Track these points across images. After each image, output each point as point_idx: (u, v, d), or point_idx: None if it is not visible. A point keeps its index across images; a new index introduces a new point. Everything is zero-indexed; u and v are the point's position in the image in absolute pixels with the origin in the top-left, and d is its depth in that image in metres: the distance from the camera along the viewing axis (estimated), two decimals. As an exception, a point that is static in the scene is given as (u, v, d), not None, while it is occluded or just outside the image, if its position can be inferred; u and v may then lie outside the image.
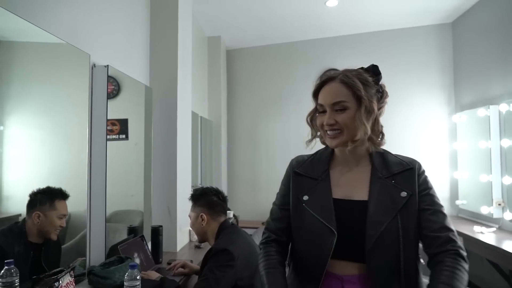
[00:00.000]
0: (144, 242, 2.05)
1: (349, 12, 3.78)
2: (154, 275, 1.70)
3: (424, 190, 1.07)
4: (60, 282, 1.28)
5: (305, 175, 1.16)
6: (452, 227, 1.04)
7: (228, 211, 3.61)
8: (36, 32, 1.43)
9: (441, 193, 4.00)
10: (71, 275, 1.36)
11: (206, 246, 2.20)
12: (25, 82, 1.47)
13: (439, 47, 4.11)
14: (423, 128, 4.11)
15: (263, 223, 4.08)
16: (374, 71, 1.13)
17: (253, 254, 1.69)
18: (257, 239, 3.11)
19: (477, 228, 3.10)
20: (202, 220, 1.80)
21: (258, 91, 4.65)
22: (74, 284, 1.36)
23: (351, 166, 1.13)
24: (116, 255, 1.71)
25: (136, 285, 1.35)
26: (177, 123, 2.47)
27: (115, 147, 2.26)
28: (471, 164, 3.58)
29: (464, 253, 1.00)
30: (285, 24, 4.05)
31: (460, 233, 3.13)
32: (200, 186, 3.45)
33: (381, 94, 1.13)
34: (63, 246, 1.65)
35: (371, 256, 1.01)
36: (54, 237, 1.57)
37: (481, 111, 3.32)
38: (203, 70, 4.17)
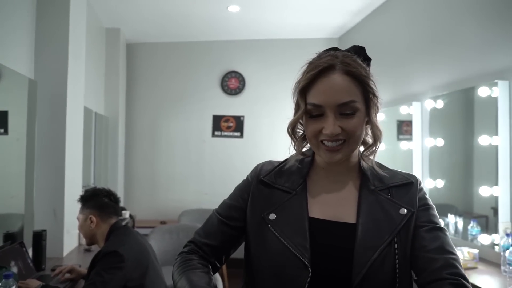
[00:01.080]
0: (24, 248, 1.90)
1: (249, 19, 3.97)
2: (34, 283, 1.60)
3: (422, 206, 0.83)
4: None
5: (274, 186, 0.88)
6: (455, 251, 0.79)
7: (123, 211, 3.52)
8: None
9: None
10: None
11: (97, 249, 2.13)
12: None
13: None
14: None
15: (161, 222, 4.06)
16: (363, 55, 0.84)
17: (144, 253, 1.72)
18: (154, 238, 3.11)
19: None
20: (91, 222, 1.75)
21: (160, 88, 4.57)
22: None
23: (336, 177, 0.86)
24: (-12, 264, 1.56)
25: (11, 296, 1.27)
26: (66, 120, 2.32)
27: None
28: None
29: (469, 285, 0.74)
30: (188, 23, 4.06)
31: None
32: (93, 186, 3.28)
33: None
34: None
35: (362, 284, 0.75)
36: None
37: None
38: (100, 63, 3.94)
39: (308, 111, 0.80)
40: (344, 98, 0.76)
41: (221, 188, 4.98)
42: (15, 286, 1.29)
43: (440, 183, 2.67)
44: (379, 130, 0.81)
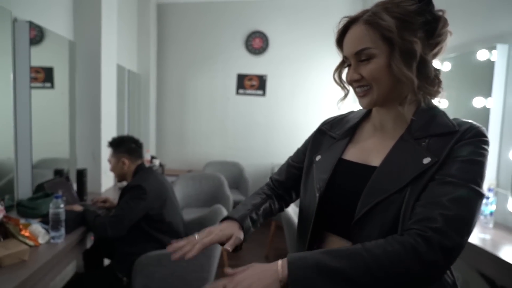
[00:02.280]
0: (70, 182, 2.32)
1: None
2: (77, 207, 2.01)
3: (454, 157, 0.76)
4: (-8, 208, 1.56)
5: (328, 133, 1.00)
6: (459, 209, 0.71)
7: (154, 159, 3.94)
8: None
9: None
10: (1, 204, 1.63)
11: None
12: None
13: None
14: (335, 90, 4.67)
15: (188, 171, 4.48)
16: None
17: (163, 189, 2.08)
18: (179, 184, 3.51)
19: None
20: (123, 164, 2.12)
21: (188, 47, 4.81)
22: (4, 211, 1.63)
23: (382, 125, 0.89)
24: (43, 191, 1.98)
25: (59, 213, 1.67)
26: (101, 76, 2.66)
27: (39, 95, 2.38)
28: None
29: (440, 241, 0.68)
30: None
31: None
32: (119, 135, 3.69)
33: (434, 25, 0.81)
34: None
35: (356, 232, 0.80)
36: None
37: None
38: (132, 23, 4.22)
39: (344, 62, 0.90)
40: (358, 47, 0.81)
41: (244, 143, 5.35)
42: (63, 205, 1.68)
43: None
44: (404, 76, 0.78)
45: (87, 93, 2.66)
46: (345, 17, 0.87)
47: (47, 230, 1.67)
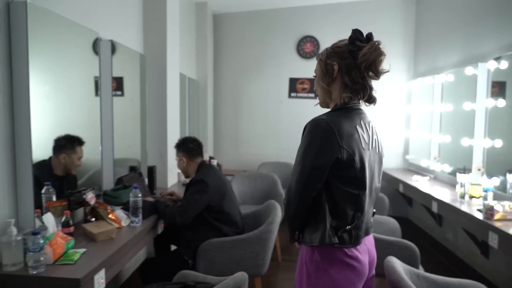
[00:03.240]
0: (142, 177, 2.65)
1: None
2: (150, 199, 2.32)
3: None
4: (86, 195, 1.89)
5: None
6: (291, 179, 1.25)
7: (212, 160, 4.24)
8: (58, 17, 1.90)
9: (396, 149, 4.67)
10: (93, 192, 1.97)
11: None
12: (49, 55, 1.95)
13: (404, 19, 4.58)
14: (385, 92, 4.67)
15: (243, 171, 4.74)
16: (357, 36, 1.23)
17: (222, 184, 2.32)
18: (236, 182, 3.76)
19: (415, 177, 3.78)
20: (183, 162, 2.40)
21: (242, 54, 5.10)
22: (95, 198, 1.97)
23: None
24: (122, 184, 2.32)
25: (138, 200, 1.96)
26: (166, 84, 2.99)
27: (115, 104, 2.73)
28: (419, 124, 4.21)
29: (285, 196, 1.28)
30: (266, -7, 4.42)
31: (401, 181, 3.81)
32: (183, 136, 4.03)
33: (357, 52, 1.20)
34: (79, 183, 2.20)
35: None
36: (74, 172, 2.10)
37: (428, 79, 3.88)
38: (191, 34, 4.59)
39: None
40: (315, 69, 1.36)
41: (296, 144, 5.40)
42: (140, 195, 1.97)
43: (498, 143, 2.76)
44: (320, 85, 1.31)
45: (155, 100, 3.01)
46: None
47: (127, 216, 1.97)
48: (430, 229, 4.00)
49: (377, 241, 2.28)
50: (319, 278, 1.21)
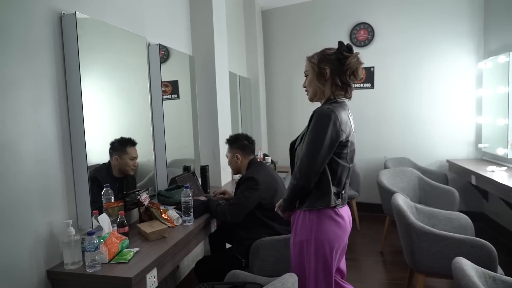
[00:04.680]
0: (195, 177, 2.70)
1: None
2: (202, 198, 2.35)
3: (308, 126, 1.59)
4: (141, 195, 1.95)
5: None
6: (301, 160, 1.56)
7: (266, 157, 4.21)
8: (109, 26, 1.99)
9: (467, 137, 4.27)
10: (147, 193, 2.03)
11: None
12: (109, 62, 2.05)
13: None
14: (451, 75, 4.27)
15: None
16: (343, 48, 1.61)
17: (273, 181, 2.26)
18: (289, 180, 3.68)
19: (489, 167, 3.39)
20: (237, 159, 2.37)
21: (293, 48, 4.99)
22: (149, 199, 2.03)
23: None
24: (175, 184, 2.37)
25: (189, 200, 1.99)
26: (216, 84, 3.01)
27: (169, 106, 2.82)
28: (493, 109, 3.77)
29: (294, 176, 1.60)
30: (314, -17, 4.27)
31: (473, 172, 3.45)
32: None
33: (343, 60, 1.57)
34: (139, 184, 2.30)
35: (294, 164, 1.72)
36: (130, 172, 2.17)
37: (502, 58, 3.45)
38: (240, 32, 4.60)
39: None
40: (304, 70, 1.72)
41: (356, 136, 5.21)
42: (191, 193, 1.99)
43: None
44: (316, 86, 1.65)
45: (205, 100, 3.05)
46: (306, 57, 1.71)
47: (180, 215, 2.01)
48: (510, 225, 3.57)
49: (446, 239, 2.08)
50: (315, 233, 1.59)
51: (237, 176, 2.64)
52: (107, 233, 1.56)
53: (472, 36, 4.16)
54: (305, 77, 1.71)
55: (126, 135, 2.14)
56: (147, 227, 1.79)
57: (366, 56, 4.61)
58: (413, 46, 4.39)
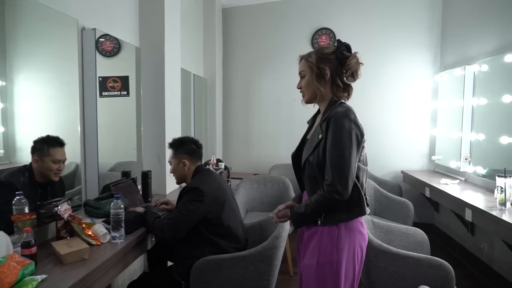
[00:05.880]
0: (136, 184, 2.39)
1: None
2: (139, 209, 2.04)
3: (327, 131, 1.41)
4: (59, 207, 1.63)
5: (308, 122, 1.68)
6: (332, 171, 1.38)
7: (219, 163, 3.96)
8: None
9: (421, 149, 4.27)
10: (68, 204, 1.70)
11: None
12: (30, 44, 1.72)
13: (430, 6, 4.17)
14: (408, 86, 4.27)
15: (254, 175, 4.43)
16: (344, 46, 1.49)
17: (221, 191, 2.01)
18: (243, 187, 3.47)
19: (443, 180, 3.38)
20: (184, 165, 2.08)
21: (253, 49, 4.79)
22: (71, 210, 1.70)
23: (322, 115, 1.51)
24: (108, 192, 2.05)
25: (119, 213, 1.69)
26: (164, 81, 2.72)
27: (117, 104, 2.50)
28: (447, 121, 3.79)
29: (330, 190, 1.38)
30: (277, -17, 4.11)
31: (427, 185, 3.43)
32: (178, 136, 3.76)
33: (344, 60, 1.46)
34: (69, 191, 1.97)
35: (304, 181, 1.55)
36: (54, 178, 1.82)
37: (458, 71, 3.47)
38: (198, 28, 4.32)
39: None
40: (300, 70, 1.57)
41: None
42: (123, 205, 1.70)
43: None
44: (316, 87, 1.50)
45: (151, 98, 2.74)
46: (300, 55, 1.58)
47: (109, 231, 1.70)
48: (460, 238, 3.58)
49: (405, 258, 1.95)
50: (344, 251, 1.42)
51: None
52: (3, 257, 1.23)
53: (429, 48, 4.19)
54: (300, 78, 1.57)
55: (55, 133, 1.83)
56: (63, 247, 1.48)
57: (326, 62, 4.52)
58: (372, 55, 4.35)
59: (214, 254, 1.88)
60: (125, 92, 2.60)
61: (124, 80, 2.58)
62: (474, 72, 3.27)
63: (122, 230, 1.70)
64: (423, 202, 4.14)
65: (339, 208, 1.42)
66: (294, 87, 5.43)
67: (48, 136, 1.82)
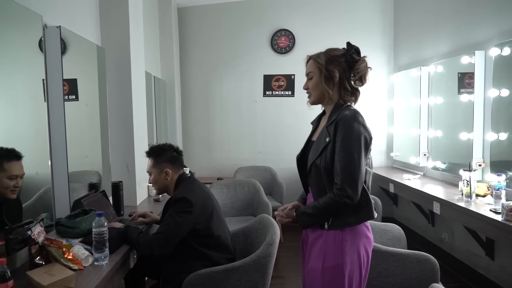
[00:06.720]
0: (106, 197, 2.18)
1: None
2: (117, 225, 1.86)
3: (335, 135, 1.39)
4: (32, 230, 1.41)
5: (312, 123, 1.64)
6: (343, 175, 1.35)
7: (184, 168, 3.79)
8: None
9: (378, 146, 4.45)
10: (41, 225, 1.49)
11: (165, 199, 2.38)
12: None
13: (382, 11, 4.37)
14: (364, 86, 4.40)
15: (218, 179, 4.32)
16: (354, 49, 1.48)
17: (209, 200, 1.90)
18: (213, 193, 3.34)
19: (405, 175, 3.55)
20: (167, 175, 1.92)
21: (211, 50, 4.67)
22: (44, 232, 1.49)
23: (328, 116, 1.48)
24: (81, 208, 1.84)
25: (103, 231, 1.51)
26: (131, 83, 2.52)
27: (66, 109, 2.24)
28: (404, 120, 4.00)
29: (339, 194, 1.36)
30: (236, -17, 4.04)
31: (392, 181, 3.58)
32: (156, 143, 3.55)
33: (353, 63, 1.45)
34: (26, 204, 1.71)
35: (310, 184, 1.51)
36: (11, 196, 1.54)
37: (414, 72, 3.67)
38: (155, 29, 4.11)
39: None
40: (307, 71, 1.53)
41: (274, 146, 5.14)
42: (106, 223, 1.52)
43: (503, 136, 2.56)
44: (324, 89, 1.46)
45: (118, 102, 2.53)
46: (308, 55, 1.55)
47: (90, 252, 1.52)
48: (420, 229, 3.80)
49: (394, 255, 2.00)
50: (348, 255, 1.39)
51: (155, 191, 2.18)
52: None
53: (384, 49, 4.40)
54: (307, 79, 1.53)
55: (9, 144, 1.56)
56: (43, 276, 1.27)
57: (287, 64, 4.55)
58: (331, 56, 4.45)
59: (205, 267, 1.77)
60: (73, 96, 2.37)
61: (72, 84, 2.34)
62: (429, 73, 3.48)
63: (107, 251, 1.52)
64: (382, 197, 4.33)
65: (346, 211, 1.40)
66: (254, 88, 5.42)
67: (1, 149, 1.57)
